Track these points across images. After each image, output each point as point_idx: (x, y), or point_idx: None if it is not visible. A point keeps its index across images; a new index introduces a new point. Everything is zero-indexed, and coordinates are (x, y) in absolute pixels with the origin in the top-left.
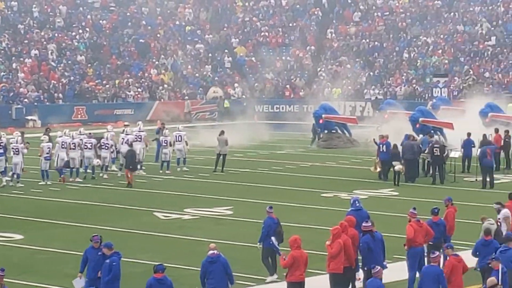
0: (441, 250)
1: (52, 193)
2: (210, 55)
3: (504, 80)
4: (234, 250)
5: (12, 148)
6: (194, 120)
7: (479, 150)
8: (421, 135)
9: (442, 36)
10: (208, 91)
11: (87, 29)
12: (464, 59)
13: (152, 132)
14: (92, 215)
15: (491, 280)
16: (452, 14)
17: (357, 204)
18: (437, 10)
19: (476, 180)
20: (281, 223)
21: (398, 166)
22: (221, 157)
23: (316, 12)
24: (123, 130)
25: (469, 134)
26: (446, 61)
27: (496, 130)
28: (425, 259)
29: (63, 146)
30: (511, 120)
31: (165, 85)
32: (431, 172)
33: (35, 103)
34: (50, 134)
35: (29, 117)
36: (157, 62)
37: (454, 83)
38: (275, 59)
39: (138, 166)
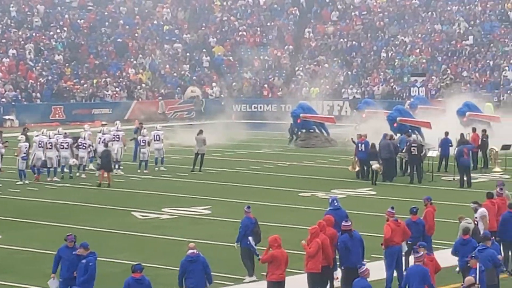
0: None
1: (30, 193)
2: (188, 54)
3: (482, 80)
4: (212, 250)
5: None
6: (172, 120)
7: (456, 149)
8: (398, 134)
9: (419, 35)
10: (186, 91)
11: (65, 28)
12: (441, 58)
13: (130, 132)
14: (70, 215)
15: (469, 279)
16: (429, 13)
17: (336, 204)
18: (414, 9)
19: (454, 179)
20: (259, 223)
21: (375, 165)
22: (199, 156)
23: (294, 12)
24: (101, 130)
25: (446, 133)
26: (424, 61)
27: (474, 129)
28: (403, 258)
29: (40, 145)
30: (488, 119)
31: (143, 85)
32: (408, 171)
33: (13, 103)
34: (28, 133)
35: (7, 117)
36: (135, 62)
37: (431, 83)
38: (253, 59)
39: (116, 166)
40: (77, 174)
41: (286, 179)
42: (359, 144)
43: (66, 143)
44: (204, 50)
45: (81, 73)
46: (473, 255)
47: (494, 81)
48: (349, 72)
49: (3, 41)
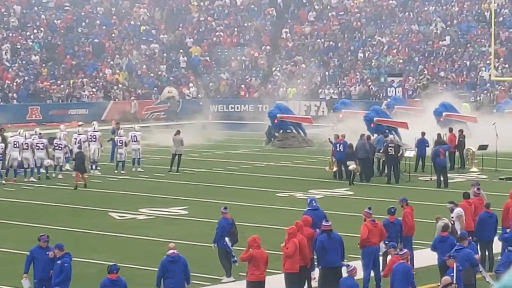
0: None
1: (6, 193)
2: (165, 55)
3: (458, 80)
4: (189, 250)
5: None
6: (148, 120)
7: (432, 149)
8: (376, 135)
9: (396, 35)
10: (162, 91)
11: (42, 29)
12: (418, 58)
13: (107, 132)
14: (46, 215)
15: (446, 279)
16: (406, 14)
17: (314, 204)
18: (391, 10)
19: (431, 179)
20: (237, 223)
21: (352, 166)
22: (177, 157)
23: (271, 12)
24: (77, 130)
25: (423, 134)
26: (401, 61)
27: (451, 130)
28: (380, 258)
29: (15, 146)
30: (465, 120)
31: (120, 85)
32: (386, 171)
33: None
34: (4, 134)
35: None
36: (112, 62)
37: (408, 83)
38: (230, 59)
39: (93, 166)
40: (53, 175)
41: (263, 179)
42: (337, 144)
43: (41, 143)
44: (181, 50)
45: (57, 73)
46: (451, 255)
47: (470, 81)
48: (326, 73)
49: None
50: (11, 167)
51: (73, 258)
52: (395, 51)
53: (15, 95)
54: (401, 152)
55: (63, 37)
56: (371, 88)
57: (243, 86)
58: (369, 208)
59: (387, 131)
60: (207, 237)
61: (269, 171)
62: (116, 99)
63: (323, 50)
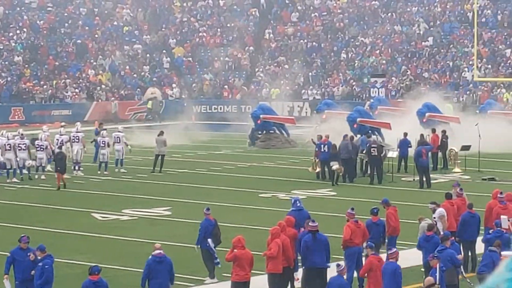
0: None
1: None
2: (148, 55)
3: (441, 80)
4: (172, 251)
5: None
6: (131, 121)
7: (415, 150)
8: (359, 135)
9: (379, 36)
10: (146, 92)
11: (24, 29)
12: (401, 59)
13: (90, 133)
14: (29, 216)
15: (428, 279)
16: (389, 14)
17: (298, 204)
18: (374, 10)
19: (414, 180)
20: (219, 224)
21: (335, 166)
22: (160, 157)
23: (254, 13)
24: (59, 131)
25: (405, 134)
26: (384, 62)
27: (433, 130)
28: (363, 258)
29: None
30: (447, 120)
31: (103, 86)
32: (369, 172)
33: None
34: None
35: None
36: (95, 63)
37: (391, 83)
38: (213, 60)
39: (76, 167)
40: (36, 176)
41: (246, 180)
42: (322, 145)
43: (24, 144)
44: (164, 51)
45: (40, 74)
46: (435, 255)
47: (453, 82)
48: (309, 73)
49: None
50: None
51: (55, 259)
52: (378, 51)
53: None
54: (384, 152)
55: (46, 38)
56: (354, 88)
57: (226, 86)
58: (352, 209)
59: (370, 131)
60: (190, 237)
61: (252, 171)
62: (99, 100)
63: (306, 51)
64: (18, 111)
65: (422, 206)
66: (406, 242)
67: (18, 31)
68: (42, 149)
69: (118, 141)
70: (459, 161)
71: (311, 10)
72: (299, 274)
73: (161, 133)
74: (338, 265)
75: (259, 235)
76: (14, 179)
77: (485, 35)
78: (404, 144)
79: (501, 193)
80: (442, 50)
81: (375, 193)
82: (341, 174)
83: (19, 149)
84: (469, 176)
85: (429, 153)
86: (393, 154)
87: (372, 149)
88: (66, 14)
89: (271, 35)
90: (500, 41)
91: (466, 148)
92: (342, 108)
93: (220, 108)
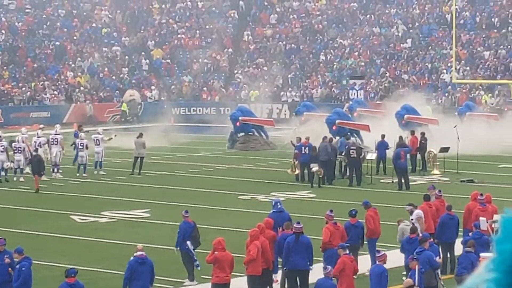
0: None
1: None
2: (126, 57)
3: (420, 82)
4: (151, 253)
5: None
6: (110, 123)
7: (393, 152)
8: (337, 137)
9: (358, 38)
10: (124, 94)
11: (3, 31)
12: (380, 61)
13: (69, 135)
14: (7, 218)
15: (407, 281)
16: (368, 16)
17: (279, 206)
18: (353, 12)
19: (393, 182)
20: (199, 226)
21: (315, 168)
22: (139, 160)
23: (232, 15)
24: (37, 133)
25: (383, 136)
26: (363, 63)
27: (412, 132)
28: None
29: None
30: (426, 122)
31: (82, 88)
32: (347, 174)
33: None
34: None
35: None
36: (73, 65)
37: (370, 85)
38: (192, 61)
39: (55, 169)
40: (14, 178)
41: (225, 182)
42: (302, 147)
43: (1, 146)
44: (143, 53)
45: (19, 76)
46: (414, 257)
47: (432, 83)
48: (288, 75)
49: None
50: None
51: (34, 262)
52: (356, 53)
53: None
54: (363, 154)
55: (24, 40)
56: (333, 90)
57: (205, 88)
58: (331, 211)
59: (349, 133)
60: (169, 239)
61: (231, 173)
62: (78, 102)
63: (285, 53)
64: None
65: (401, 208)
66: (385, 244)
67: None
68: (19, 151)
69: (98, 143)
70: (437, 163)
71: (290, 12)
72: (278, 276)
73: (140, 135)
74: (325, 268)
75: (239, 237)
76: None
77: (463, 37)
78: (382, 146)
79: (481, 194)
80: (420, 52)
81: (354, 195)
82: (320, 176)
83: None
84: (448, 178)
85: (408, 155)
86: (372, 156)
87: (351, 151)
88: (44, 16)
89: (250, 37)
90: (478, 43)
91: (444, 150)
92: (321, 110)
93: (199, 110)
